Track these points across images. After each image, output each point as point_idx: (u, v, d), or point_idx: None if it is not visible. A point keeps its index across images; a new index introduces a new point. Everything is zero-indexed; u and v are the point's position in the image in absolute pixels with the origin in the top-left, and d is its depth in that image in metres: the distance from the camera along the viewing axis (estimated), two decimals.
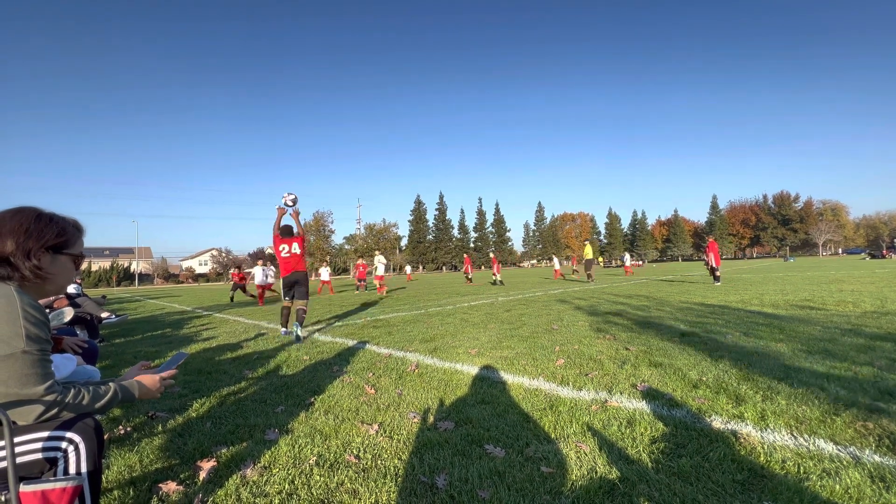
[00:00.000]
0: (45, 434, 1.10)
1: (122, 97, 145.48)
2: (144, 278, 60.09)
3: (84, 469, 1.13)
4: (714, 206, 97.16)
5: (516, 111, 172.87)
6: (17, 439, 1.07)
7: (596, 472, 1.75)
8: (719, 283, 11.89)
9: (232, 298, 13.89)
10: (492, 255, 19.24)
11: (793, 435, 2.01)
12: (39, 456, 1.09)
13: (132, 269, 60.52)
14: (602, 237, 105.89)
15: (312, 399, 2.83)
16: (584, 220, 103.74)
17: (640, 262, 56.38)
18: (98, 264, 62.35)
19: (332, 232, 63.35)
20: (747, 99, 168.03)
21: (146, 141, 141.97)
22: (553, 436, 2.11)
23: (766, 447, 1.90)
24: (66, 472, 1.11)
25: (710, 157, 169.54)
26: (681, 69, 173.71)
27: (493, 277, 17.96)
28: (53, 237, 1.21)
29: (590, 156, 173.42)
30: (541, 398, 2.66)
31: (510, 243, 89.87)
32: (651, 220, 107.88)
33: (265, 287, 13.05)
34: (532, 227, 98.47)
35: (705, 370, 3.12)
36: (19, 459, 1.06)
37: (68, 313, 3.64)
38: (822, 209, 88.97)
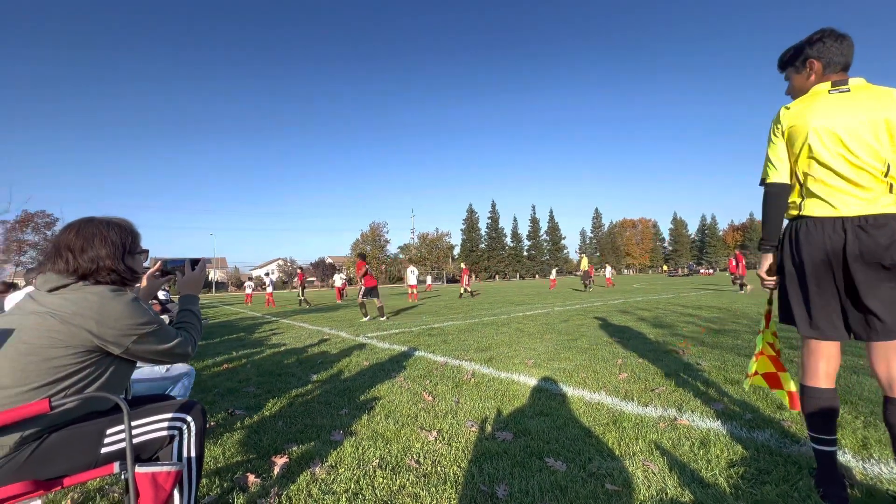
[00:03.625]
0: (168, 415, 1.33)
1: (203, 125, 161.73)
2: (220, 286, 65.72)
3: (194, 445, 1.36)
4: None
5: (569, 114, 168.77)
6: (148, 419, 1.31)
7: (666, 494, 1.65)
8: (744, 292, 13.09)
9: (307, 302, 16.05)
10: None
11: None
12: (164, 433, 1.32)
13: (210, 278, 66.48)
14: (666, 244, 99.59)
15: (373, 403, 2.94)
16: (646, 227, 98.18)
17: (712, 271, 51.82)
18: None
19: (388, 242, 65.44)
20: None
21: (220, 160, 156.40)
22: (617, 452, 2.02)
23: (868, 479, 1.69)
24: (180, 446, 1.34)
25: None
26: (751, 60, 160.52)
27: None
28: (130, 240, 1.38)
29: (652, 157, 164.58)
30: (603, 413, 2.56)
31: (565, 251, 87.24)
32: (723, 225, 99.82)
33: (340, 289, 19.14)
34: (589, 234, 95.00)
35: None
36: (149, 436, 1.29)
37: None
38: None
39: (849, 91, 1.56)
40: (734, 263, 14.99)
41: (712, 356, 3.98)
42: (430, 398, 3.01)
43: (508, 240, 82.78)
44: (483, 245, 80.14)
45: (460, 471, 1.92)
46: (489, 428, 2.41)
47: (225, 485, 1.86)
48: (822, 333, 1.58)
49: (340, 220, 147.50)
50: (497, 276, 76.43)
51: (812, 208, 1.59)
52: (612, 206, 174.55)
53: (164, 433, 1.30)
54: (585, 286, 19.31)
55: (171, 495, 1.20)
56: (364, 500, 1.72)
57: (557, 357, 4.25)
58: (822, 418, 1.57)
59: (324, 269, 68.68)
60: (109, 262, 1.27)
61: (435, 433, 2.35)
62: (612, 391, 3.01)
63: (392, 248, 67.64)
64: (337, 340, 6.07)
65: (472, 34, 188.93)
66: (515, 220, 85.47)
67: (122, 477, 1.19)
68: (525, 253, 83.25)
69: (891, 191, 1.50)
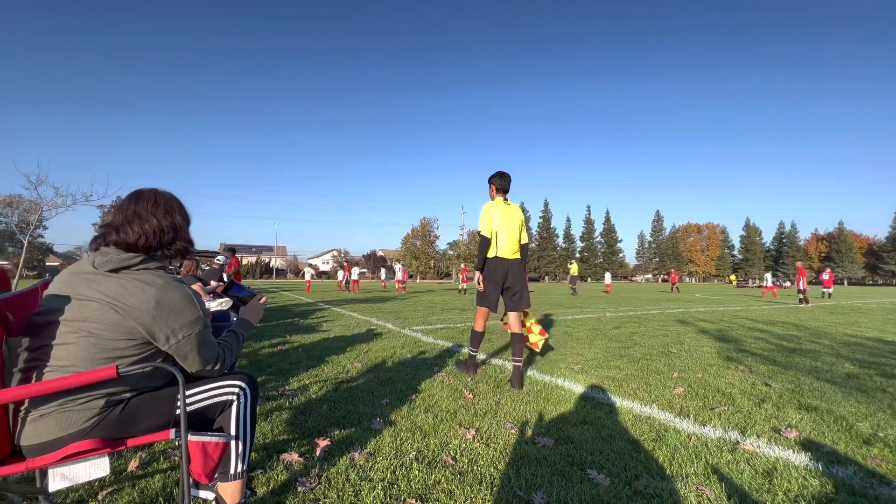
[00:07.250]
0: (223, 382, 1.40)
1: (267, 117, 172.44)
2: (280, 272, 69.92)
3: (248, 412, 1.42)
4: None
5: (629, 108, 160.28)
6: (203, 387, 1.37)
7: None
8: (808, 305, 13.27)
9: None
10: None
11: None
12: (218, 400, 1.38)
13: (271, 265, 70.91)
14: (736, 252, 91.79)
15: (414, 396, 2.96)
16: (713, 232, 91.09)
17: (788, 284, 46.61)
18: (246, 259, 74.37)
19: (437, 238, 66.01)
20: None
21: (284, 151, 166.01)
22: (669, 472, 1.87)
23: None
24: (237, 413, 1.40)
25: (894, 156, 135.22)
26: (850, 55, 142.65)
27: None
28: (187, 210, 1.40)
29: (721, 157, 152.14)
30: (654, 428, 2.40)
31: (621, 255, 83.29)
32: (804, 234, 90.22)
33: (355, 281, 20.65)
34: (648, 238, 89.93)
35: (883, 424, 2.48)
36: (204, 403, 1.36)
37: (228, 302, 4.41)
38: None
39: (509, 205, 3.54)
40: (807, 276, 13.86)
41: (785, 377, 3.60)
42: (471, 396, 2.98)
43: (560, 240, 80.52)
44: (533, 244, 78.54)
45: (497, 472, 1.88)
46: (529, 432, 2.34)
47: (271, 461, 1.96)
48: (494, 308, 3.54)
49: (392, 215, 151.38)
50: (546, 277, 74.59)
51: (498, 252, 3.49)
52: (675, 210, 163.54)
53: (223, 399, 1.38)
54: (574, 291, 19.71)
55: (217, 465, 1.27)
56: (399, 490, 1.73)
57: (606, 365, 4.05)
58: (479, 342, 3.62)
59: (375, 261, 70.79)
60: (184, 233, 1.33)
61: (473, 431, 2.32)
62: (665, 406, 2.81)
63: (441, 244, 68.23)
64: (383, 331, 6.22)
65: (526, 28, 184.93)
66: (569, 220, 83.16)
67: (177, 443, 1.28)
68: (577, 255, 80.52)
69: (518, 251, 3.59)
